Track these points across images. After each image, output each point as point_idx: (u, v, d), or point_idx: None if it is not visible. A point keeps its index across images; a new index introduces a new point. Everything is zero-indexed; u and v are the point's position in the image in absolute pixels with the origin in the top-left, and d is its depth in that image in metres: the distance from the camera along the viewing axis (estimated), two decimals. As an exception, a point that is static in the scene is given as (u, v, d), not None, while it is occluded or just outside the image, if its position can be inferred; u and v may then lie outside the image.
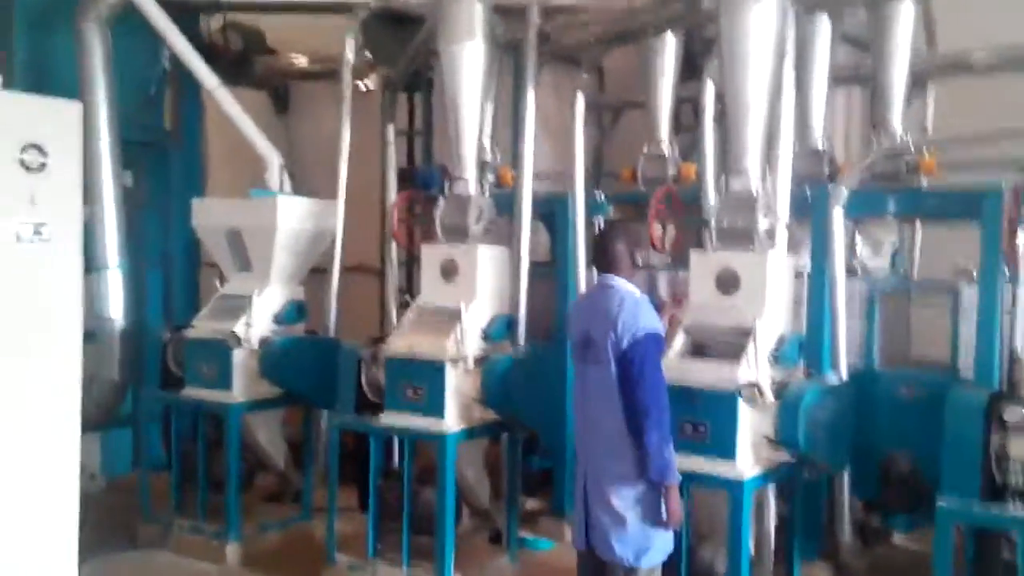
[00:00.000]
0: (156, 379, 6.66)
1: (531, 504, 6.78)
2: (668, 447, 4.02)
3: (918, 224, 7.20)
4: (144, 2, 6.94)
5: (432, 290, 5.91)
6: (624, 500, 4.07)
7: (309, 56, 10.18)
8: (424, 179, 7.60)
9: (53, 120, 4.42)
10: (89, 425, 4.98)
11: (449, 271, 5.86)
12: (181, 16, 7.63)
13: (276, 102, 10.91)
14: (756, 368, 4.57)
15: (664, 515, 4.07)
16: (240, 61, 9.76)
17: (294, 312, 6.59)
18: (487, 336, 5.69)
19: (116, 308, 6.90)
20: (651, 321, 4.11)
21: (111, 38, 7.17)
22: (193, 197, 7.35)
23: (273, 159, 6.82)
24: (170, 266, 8.42)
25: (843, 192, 5.60)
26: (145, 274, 7.99)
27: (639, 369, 4.00)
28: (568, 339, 4.41)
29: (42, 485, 4.32)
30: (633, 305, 4.12)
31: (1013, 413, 4.08)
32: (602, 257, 4.36)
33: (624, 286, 4.24)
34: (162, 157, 8.51)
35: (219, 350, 6.28)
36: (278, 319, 6.50)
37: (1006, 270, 5.19)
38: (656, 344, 4.09)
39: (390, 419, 5.64)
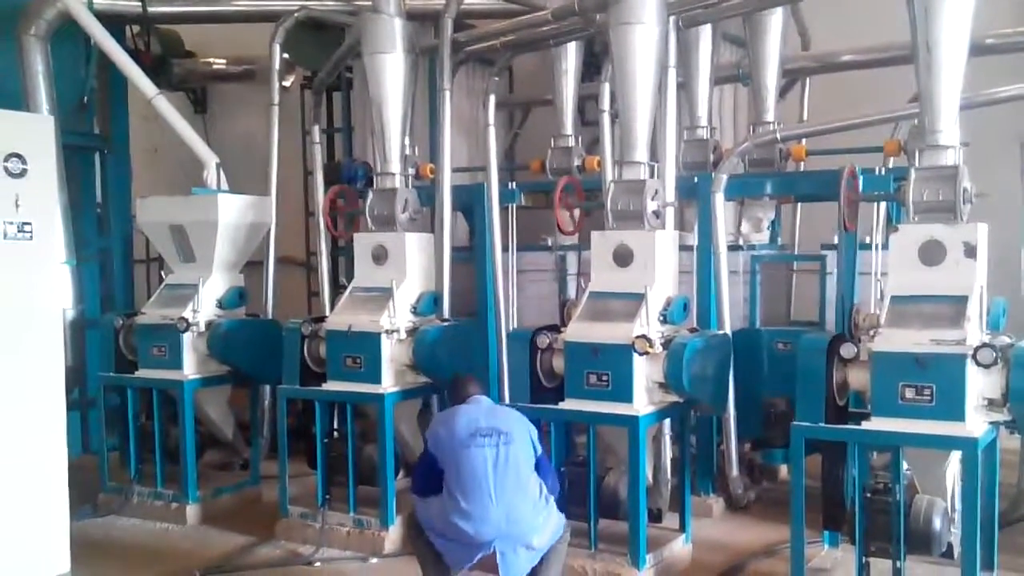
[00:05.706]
0: (110, 364, 7.73)
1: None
2: None
3: (798, 203, 8.80)
4: (86, 19, 8.00)
5: (365, 273, 7.17)
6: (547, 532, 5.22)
7: (227, 59, 11.31)
8: (349, 174, 8.86)
9: (31, 132, 5.47)
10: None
11: (380, 256, 7.14)
12: (106, 25, 8.68)
13: (194, 103, 12.05)
14: (647, 325, 5.96)
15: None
16: (159, 65, 10.83)
17: (236, 297, 7.74)
18: (416, 311, 7.01)
19: (67, 300, 7.98)
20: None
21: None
22: (124, 197, 8.34)
23: (211, 160, 7.92)
24: (108, 261, 9.46)
25: (723, 179, 7.04)
26: (81, 269, 9.02)
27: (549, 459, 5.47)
28: (458, 432, 5.11)
29: (34, 464, 5.22)
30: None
31: (847, 349, 5.51)
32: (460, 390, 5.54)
33: None
34: (90, 159, 9.52)
35: (170, 333, 7.42)
36: (222, 304, 7.64)
37: (866, 239, 6.71)
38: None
39: (333, 386, 6.89)
